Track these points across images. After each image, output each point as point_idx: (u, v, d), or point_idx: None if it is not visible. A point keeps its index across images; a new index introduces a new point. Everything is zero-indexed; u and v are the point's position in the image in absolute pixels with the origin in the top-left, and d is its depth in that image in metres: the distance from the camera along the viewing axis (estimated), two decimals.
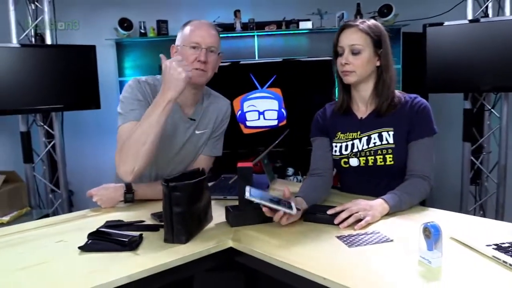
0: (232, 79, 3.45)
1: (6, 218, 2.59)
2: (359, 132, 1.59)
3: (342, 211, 1.29)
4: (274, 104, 3.45)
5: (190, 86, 1.62)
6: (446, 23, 2.69)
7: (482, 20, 2.69)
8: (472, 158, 2.95)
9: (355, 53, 1.51)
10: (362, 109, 1.62)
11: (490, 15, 2.80)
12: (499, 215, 2.83)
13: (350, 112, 1.64)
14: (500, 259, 1.00)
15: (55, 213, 3.14)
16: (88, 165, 3.40)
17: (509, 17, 2.63)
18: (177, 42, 1.64)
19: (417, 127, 1.52)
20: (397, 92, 1.59)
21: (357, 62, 1.51)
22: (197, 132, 1.72)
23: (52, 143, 3.16)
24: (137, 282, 1.04)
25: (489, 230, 1.23)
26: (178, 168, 1.73)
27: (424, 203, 1.56)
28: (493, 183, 2.95)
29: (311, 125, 1.72)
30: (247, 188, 1.24)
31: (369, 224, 1.27)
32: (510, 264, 0.97)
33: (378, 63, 1.55)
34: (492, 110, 2.92)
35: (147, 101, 1.59)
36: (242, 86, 3.38)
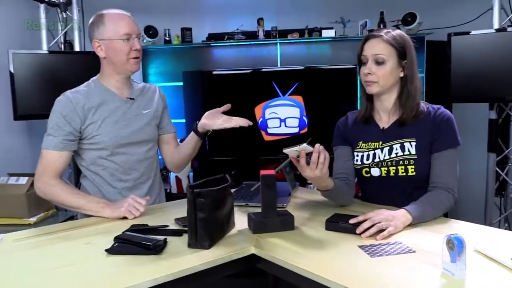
0: (254, 87, 3.49)
1: (33, 219, 2.65)
2: (381, 142, 1.59)
3: (364, 220, 1.29)
4: (295, 112, 3.47)
5: (126, 74, 1.73)
6: (472, 32, 2.66)
7: (509, 29, 2.65)
8: (497, 169, 2.89)
9: (378, 63, 1.51)
10: (384, 119, 1.62)
11: None
12: None
13: (372, 121, 1.64)
14: None
15: (79, 216, 3.20)
16: None
17: None
18: (100, 36, 1.66)
19: (440, 138, 1.50)
20: (422, 103, 1.58)
21: (380, 72, 1.51)
22: (143, 111, 1.79)
23: None
24: (161, 285, 1.06)
25: None
26: (142, 148, 1.78)
27: (448, 215, 1.55)
28: None
29: (333, 133, 1.72)
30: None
31: (391, 234, 1.27)
32: None
33: (402, 74, 1.55)
34: None
35: (72, 118, 1.64)
36: (264, 94, 3.41)
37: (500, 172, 2.92)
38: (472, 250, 1.14)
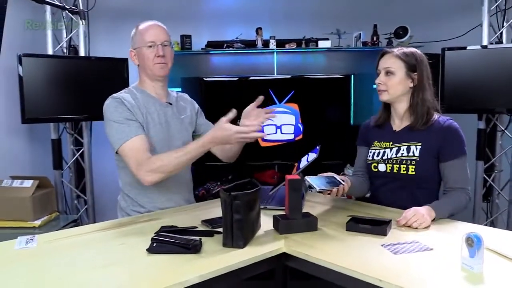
0: (252, 94, 3.57)
1: (38, 222, 2.67)
2: (391, 142, 1.79)
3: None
4: (291, 119, 3.57)
5: (158, 79, 1.81)
6: (468, 48, 2.84)
7: (489, 46, 2.85)
8: (485, 176, 3.08)
9: (388, 74, 1.74)
10: (397, 123, 1.82)
11: (504, 41, 2.96)
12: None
13: (387, 124, 1.85)
14: None
15: (81, 219, 3.23)
16: (109, 173, 3.49)
17: None
18: (133, 46, 1.80)
19: (449, 148, 1.69)
20: (435, 114, 1.76)
21: (389, 82, 1.74)
22: (182, 117, 1.89)
23: (80, 151, 3.26)
24: (206, 282, 1.15)
25: None
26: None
27: None
28: (504, 200, 3.07)
29: (358, 134, 1.97)
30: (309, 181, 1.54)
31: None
32: None
33: (411, 85, 1.75)
34: (505, 131, 3.05)
35: (133, 111, 1.70)
36: None
37: (487, 179, 3.10)
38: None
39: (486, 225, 3.12)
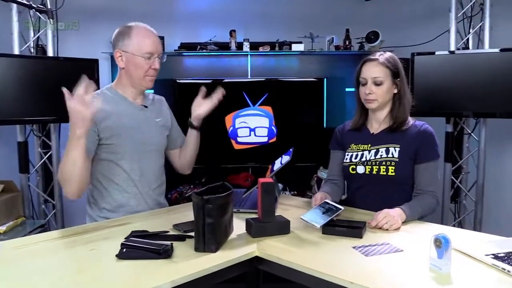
0: (225, 96, 3.56)
1: (3, 228, 2.58)
2: (369, 145, 1.80)
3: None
4: (265, 122, 3.59)
5: (140, 89, 1.79)
6: (437, 53, 2.92)
7: (456, 52, 2.94)
8: (453, 177, 3.17)
9: (377, 84, 1.74)
10: (375, 126, 1.84)
11: (470, 47, 3.05)
12: (476, 231, 3.02)
13: (364, 128, 1.86)
14: (499, 267, 1.16)
15: (49, 224, 3.14)
16: None
17: (485, 50, 2.89)
18: (124, 48, 1.70)
19: (425, 150, 1.73)
20: (410, 118, 1.80)
21: (379, 92, 1.74)
22: (156, 120, 1.86)
23: (48, 153, 3.17)
24: (178, 287, 1.13)
25: (482, 242, 1.38)
26: (154, 158, 1.83)
27: None
28: (471, 201, 3.16)
29: (332, 138, 1.96)
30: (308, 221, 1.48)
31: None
32: (508, 271, 1.13)
33: (395, 91, 1.77)
34: (471, 134, 3.15)
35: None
36: (234, 103, 3.50)
37: (455, 180, 3.19)
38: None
39: (454, 225, 3.21)
